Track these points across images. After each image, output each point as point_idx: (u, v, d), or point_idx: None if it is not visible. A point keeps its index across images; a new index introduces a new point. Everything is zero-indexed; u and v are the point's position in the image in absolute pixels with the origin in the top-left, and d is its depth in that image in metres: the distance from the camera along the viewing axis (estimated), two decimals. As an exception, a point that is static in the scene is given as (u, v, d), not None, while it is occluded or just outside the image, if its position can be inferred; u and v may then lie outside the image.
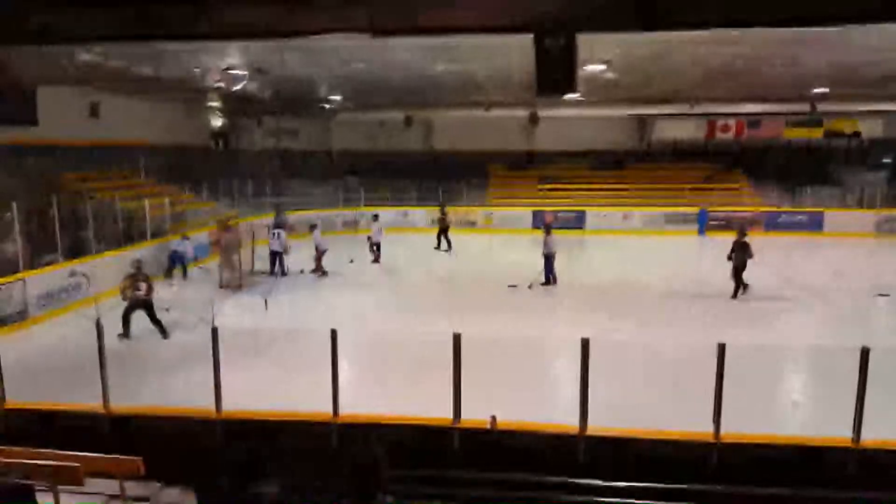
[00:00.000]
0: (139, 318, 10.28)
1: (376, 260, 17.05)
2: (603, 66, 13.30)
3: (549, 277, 14.04)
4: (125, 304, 10.25)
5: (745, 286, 12.60)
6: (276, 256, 15.10)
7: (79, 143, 17.32)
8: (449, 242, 19.26)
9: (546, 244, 14.07)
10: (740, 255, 12.44)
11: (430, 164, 26.85)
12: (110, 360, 6.44)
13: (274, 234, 15.32)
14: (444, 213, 19.80)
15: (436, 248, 19.22)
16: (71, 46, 10.14)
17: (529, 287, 13.69)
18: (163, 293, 12.06)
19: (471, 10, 4.75)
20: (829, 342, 8.99)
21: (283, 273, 15.06)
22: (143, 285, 10.24)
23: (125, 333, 10.11)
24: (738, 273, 12.50)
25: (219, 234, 16.09)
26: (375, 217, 17.87)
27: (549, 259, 14.01)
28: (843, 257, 18.12)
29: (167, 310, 10.70)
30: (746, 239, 12.57)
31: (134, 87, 16.91)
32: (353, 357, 8.96)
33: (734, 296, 12.60)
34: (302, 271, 15.51)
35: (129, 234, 15.13)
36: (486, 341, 7.37)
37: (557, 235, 14.54)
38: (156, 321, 10.33)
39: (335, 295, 13.92)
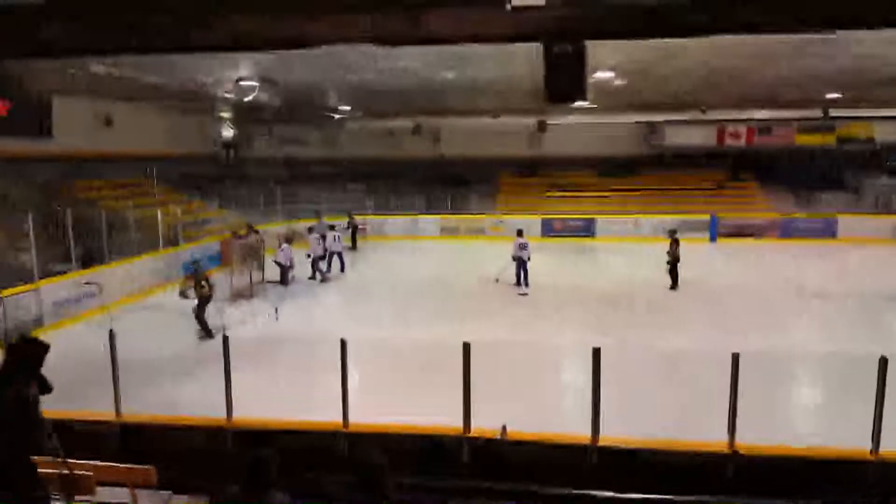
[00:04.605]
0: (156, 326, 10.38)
1: (319, 276, 15.88)
2: (612, 73, 13.30)
3: (519, 280, 14.54)
4: (193, 303, 10.79)
5: (676, 284, 14.21)
6: (281, 268, 15.24)
7: (92, 153, 17.53)
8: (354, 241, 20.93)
9: (517, 248, 14.60)
10: (674, 250, 14.29)
11: (439, 171, 26.91)
12: (125, 368, 6.49)
13: (282, 246, 15.45)
14: (351, 217, 21.31)
15: (352, 249, 20.40)
16: (82, 58, 10.31)
17: (496, 281, 14.79)
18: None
19: (478, 17, 4.75)
20: (846, 350, 8.87)
21: (286, 284, 15.14)
22: (206, 283, 10.87)
23: (208, 333, 10.59)
24: (673, 267, 14.28)
25: (230, 242, 16.25)
26: (310, 230, 16.94)
27: (517, 262, 14.54)
28: (859, 264, 17.90)
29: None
30: (676, 236, 14.53)
31: (146, 97, 17.12)
32: (362, 365, 8.99)
33: (674, 287, 14.22)
34: (312, 277, 15.76)
35: (142, 243, 15.26)
36: (493, 348, 7.35)
37: (529, 241, 14.91)
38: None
39: (344, 303, 13.98)
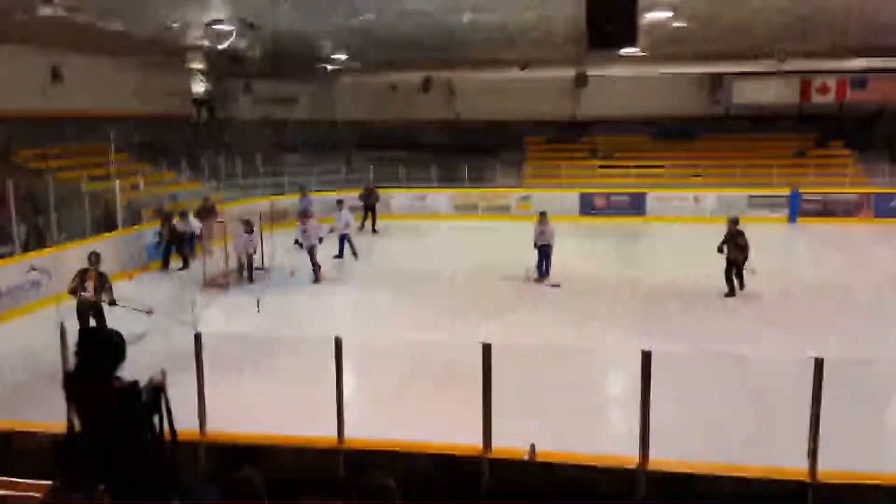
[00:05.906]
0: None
1: (341, 254, 16.71)
2: (669, 13, 13.10)
3: (542, 271, 14.51)
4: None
5: (742, 285, 13.18)
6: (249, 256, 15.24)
7: (37, 113, 17.66)
8: (374, 224, 21.25)
9: (540, 234, 14.50)
10: (732, 247, 13.13)
11: (454, 136, 26.77)
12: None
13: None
14: (370, 191, 21.53)
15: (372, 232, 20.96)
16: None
17: (527, 278, 14.39)
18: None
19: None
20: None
21: (251, 272, 14.97)
22: (90, 284, 9.79)
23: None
24: (730, 268, 13.18)
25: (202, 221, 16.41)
26: (340, 202, 17.61)
27: (542, 250, 14.46)
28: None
29: (149, 312, 10.87)
30: (739, 227, 13.29)
31: (103, 46, 17.20)
32: (359, 369, 9.04)
33: (731, 293, 13.12)
34: (292, 273, 15.25)
35: (98, 221, 15.42)
36: (520, 352, 7.34)
37: (552, 223, 14.74)
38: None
39: (335, 296, 14.05)
